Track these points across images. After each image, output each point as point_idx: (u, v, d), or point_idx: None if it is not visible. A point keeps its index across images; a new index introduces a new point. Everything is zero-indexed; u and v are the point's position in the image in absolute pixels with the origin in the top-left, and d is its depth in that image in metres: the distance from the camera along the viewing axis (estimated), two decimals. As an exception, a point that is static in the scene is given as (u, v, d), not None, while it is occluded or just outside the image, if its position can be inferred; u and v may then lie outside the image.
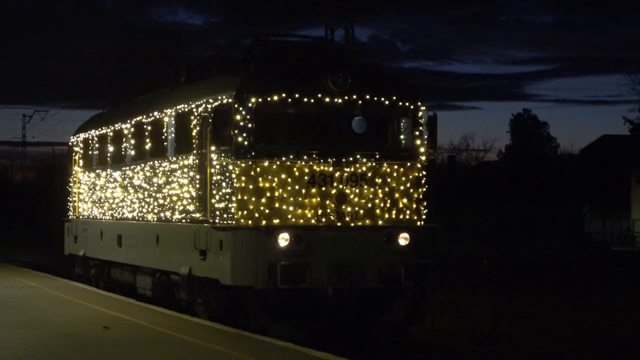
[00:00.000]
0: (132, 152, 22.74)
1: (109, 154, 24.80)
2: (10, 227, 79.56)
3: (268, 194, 16.59)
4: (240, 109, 16.49)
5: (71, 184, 28.75)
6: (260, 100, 16.64)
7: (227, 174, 16.89)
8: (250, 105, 16.53)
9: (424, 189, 17.77)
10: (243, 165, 16.49)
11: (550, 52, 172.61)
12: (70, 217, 28.96)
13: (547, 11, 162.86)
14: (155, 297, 21.47)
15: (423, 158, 17.87)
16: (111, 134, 24.54)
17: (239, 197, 16.50)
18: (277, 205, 16.58)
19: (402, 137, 18.05)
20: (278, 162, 16.66)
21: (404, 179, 17.43)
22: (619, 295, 29.59)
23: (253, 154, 16.55)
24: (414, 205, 17.53)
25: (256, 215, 16.45)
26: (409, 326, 17.46)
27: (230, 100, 16.74)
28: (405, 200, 17.41)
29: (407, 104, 17.76)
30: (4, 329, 16.90)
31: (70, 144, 29.06)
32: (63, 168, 62.76)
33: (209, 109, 17.68)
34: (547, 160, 77.25)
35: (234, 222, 16.61)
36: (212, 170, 17.56)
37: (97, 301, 22.50)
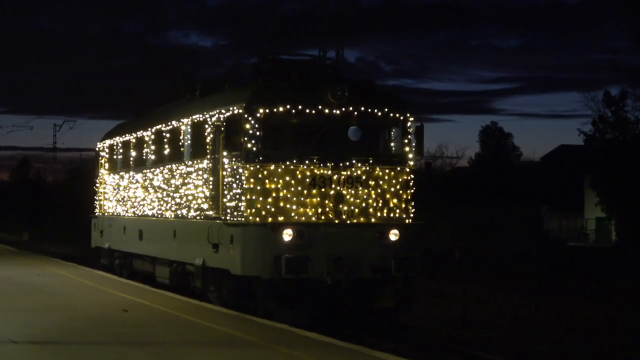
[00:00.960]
0: (153, 157, 22.15)
1: (131, 158, 24.12)
2: (42, 223, 78.18)
3: (274, 194, 16.30)
4: (250, 118, 16.17)
5: (97, 185, 28.05)
6: (267, 111, 16.33)
7: (238, 176, 16.56)
8: (258, 115, 16.22)
9: (412, 191, 17.42)
10: (252, 168, 16.16)
11: (514, 72, 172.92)
12: (96, 214, 28.28)
13: (512, 37, 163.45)
14: (173, 285, 20.97)
15: (411, 163, 17.60)
16: (134, 140, 23.88)
17: (248, 196, 16.19)
18: (281, 204, 16.30)
19: (392, 144, 17.71)
20: (283, 166, 16.34)
21: (394, 181, 17.13)
22: (573, 283, 29.10)
23: (261, 158, 16.22)
24: (403, 205, 17.22)
25: (263, 213, 16.15)
26: (399, 312, 17.14)
27: (241, 110, 16.39)
28: (395, 201, 17.11)
29: (397, 115, 17.40)
30: (36, 311, 16.71)
31: (97, 149, 28.31)
32: (90, 171, 62.00)
33: (222, 119, 17.25)
34: (512, 166, 76.82)
35: (243, 219, 16.28)
36: (224, 173, 17.15)
37: (117, 287, 22.11)
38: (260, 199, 16.15)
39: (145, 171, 22.82)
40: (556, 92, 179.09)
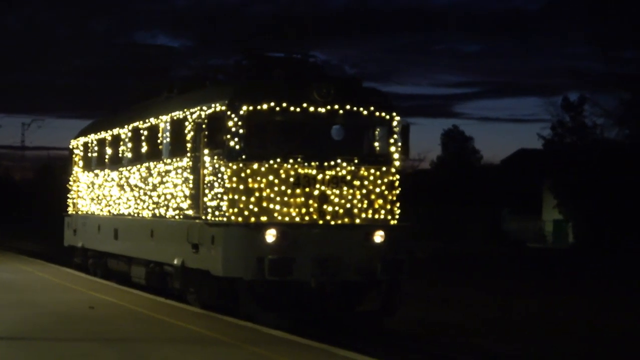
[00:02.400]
0: (129, 155, 21.63)
1: (107, 156, 23.60)
2: (9, 220, 77.02)
3: (257, 194, 15.80)
4: (233, 116, 15.68)
5: (71, 183, 27.48)
6: (251, 108, 15.85)
7: (220, 175, 16.09)
8: (242, 112, 15.74)
9: (397, 191, 17.00)
10: (234, 167, 15.67)
11: (477, 77, 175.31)
12: (70, 212, 27.73)
13: (474, 42, 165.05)
14: (149, 285, 20.52)
15: (397, 163, 17.18)
16: (109, 137, 23.34)
17: (230, 196, 15.71)
18: (265, 204, 15.78)
19: (378, 144, 17.24)
20: (266, 165, 15.85)
21: (379, 182, 16.70)
22: (537, 283, 29.98)
23: (244, 157, 15.73)
24: (389, 206, 16.78)
25: (246, 213, 15.64)
26: (383, 316, 16.71)
27: (223, 107, 15.91)
28: (380, 202, 16.68)
29: (383, 114, 16.96)
30: (2, 308, 16.84)
31: (70, 147, 27.67)
32: (59, 169, 61.46)
33: (203, 116, 16.73)
34: (473, 169, 77.35)
35: (225, 219, 15.82)
36: (205, 171, 16.63)
37: (85, 285, 22.40)
38: (243, 198, 15.69)
39: (121, 169, 22.26)
40: (517, 97, 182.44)
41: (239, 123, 15.67)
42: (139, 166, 20.80)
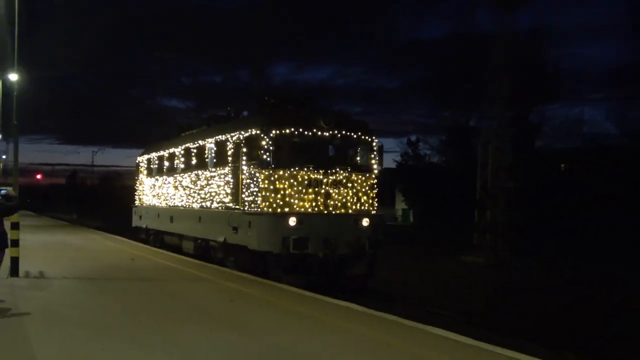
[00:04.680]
0: (182, 165, 25.38)
1: (165, 167, 27.78)
2: (82, 209, 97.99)
3: (281, 192, 18.30)
4: (265, 137, 18.42)
5: (137, 185, 32.92)
6: (277, 132, 18.59)
7: (255, 179, 18.54)
8: (271, 135, 18.50)
9: (375, 191, 19.69)
10: (266, 173, 18.24)
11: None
12: (136, 204, 33.20)
13: (359, 105, 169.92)
14: (196, 254, 23.46)
15: (375, 172, 19.84)
16: (167, 154, 27.56)
17: (263, 193, 18.27)
18: (287, 199, 18.31)
19: (362, 158, 19.93)
20: (288, 172, 18.37)
21: (364, 184, 19.36)
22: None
23: (273, 166, 18.32)
24: (370, 201, 19.50)
25: (274, 205, 18.19)
26: (367, 279, 19.31)
27: (258, 131, 18.67)
28: (365, 198, 19.35)
29: (366, 137, 19.90)
30: (75, 260, 22.53)
31: (136, 162, 33.36)
32: (114, 179, 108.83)
33: (241, 138, 19.45)
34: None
35: (259, 209, 18.33)
36: (243, 176, 19.31)
37: (130, 247, 29.17)
38: (272, 195, 18.24)
39: (175, 175, 26.12)
40: (384, 137, 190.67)
41: (269, 142, 18.39)
42: (189, 173, 24.31)
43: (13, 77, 19.72)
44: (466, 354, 9.91)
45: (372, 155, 20.14)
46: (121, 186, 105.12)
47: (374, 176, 19.94)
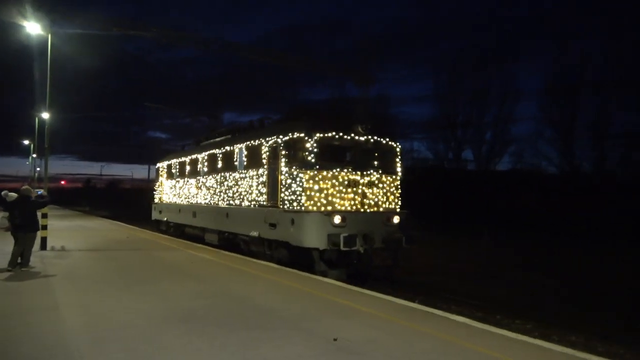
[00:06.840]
0: (205, 169, 25.60)
1: (186, 170, 28.36)
2: (94, 206, 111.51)
3: (324, 191, 18.40)
4: (309, 140, 18.56)
5: (157, 187, 33.79)
6: (321, 135, 18.73)
7: (298, 179, 18.50)
8: (315, 138, 18.62)
9: (399, 192, 20.17)
10: (311, 173, 18.30)
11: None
12: (156, 202, 34.30)
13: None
14: (220, 245, 23.68)
15: (399, 174, 20.34)
16: (188, 160, 28.21)
17: (308, 192, 18.24)
18: (330, 198, 18.44)
19: (390, 162, 20.34)
20: (330, 172, 18.48)
21: (391, 185, 19.86)
22: None
23: (317, 167, 18.40)
24: (396, 200, 20.00)
25: (318, 204, 18.26)
26: (394, 269, 19.91)
27: (302, 134, 18.79)
28: (392, 197, 19.85)
29: (393, 143, 20.50)
30: (89, 237, 29.51)
31: (157, 167, 34.29)
32: (118, 185, 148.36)
33: (280, 142, 19.48)
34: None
35: (302, 207, 18.23)
36: (282, 177, 19.29)
37: (129, 228, 37.43)
38: (317, 194, 18.32)
39: (198, 178, 26.43)
40: None
41: (314, 145, 18.49)
42: (214, 175, 24.39)
43: (45, 115, 25.34)
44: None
45: (397, 160, 20.76)
46: (121, 188, 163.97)
47: (398, 178, 20.47)
